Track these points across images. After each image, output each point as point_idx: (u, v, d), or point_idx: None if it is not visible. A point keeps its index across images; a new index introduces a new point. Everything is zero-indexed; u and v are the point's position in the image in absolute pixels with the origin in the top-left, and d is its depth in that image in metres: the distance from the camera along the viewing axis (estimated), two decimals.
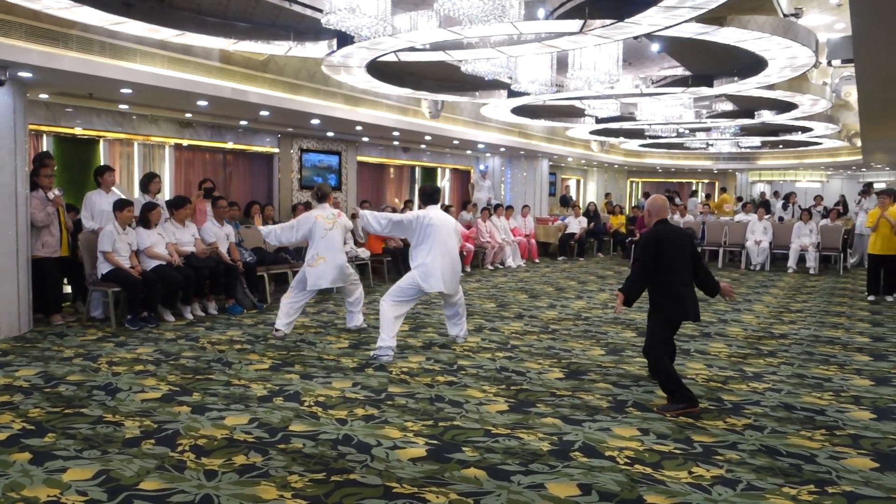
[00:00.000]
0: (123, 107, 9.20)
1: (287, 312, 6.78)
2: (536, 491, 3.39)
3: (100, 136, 9.72)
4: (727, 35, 6.32)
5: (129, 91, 7.91)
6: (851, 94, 8.94)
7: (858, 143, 16.30)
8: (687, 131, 15.84)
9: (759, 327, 7.75)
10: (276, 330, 6.72)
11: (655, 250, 4.81)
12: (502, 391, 5.10)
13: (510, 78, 9.12)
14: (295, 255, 9.56)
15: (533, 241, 15.11)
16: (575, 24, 5.85)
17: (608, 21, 5.73)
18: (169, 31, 6.69)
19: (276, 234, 7.01)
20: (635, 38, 6.81)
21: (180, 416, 4.42)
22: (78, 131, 9.41)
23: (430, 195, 6.51)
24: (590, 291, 10.47)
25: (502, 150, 16.71)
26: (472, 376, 5.50)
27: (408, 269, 11.04)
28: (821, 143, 18.07)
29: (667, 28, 5.85)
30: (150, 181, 8.09)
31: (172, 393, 4.92)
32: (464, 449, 3.92)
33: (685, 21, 5.71)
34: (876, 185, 18.75)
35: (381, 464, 3.69)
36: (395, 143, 14.98)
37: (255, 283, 8.53)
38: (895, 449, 4.02)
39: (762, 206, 15.66)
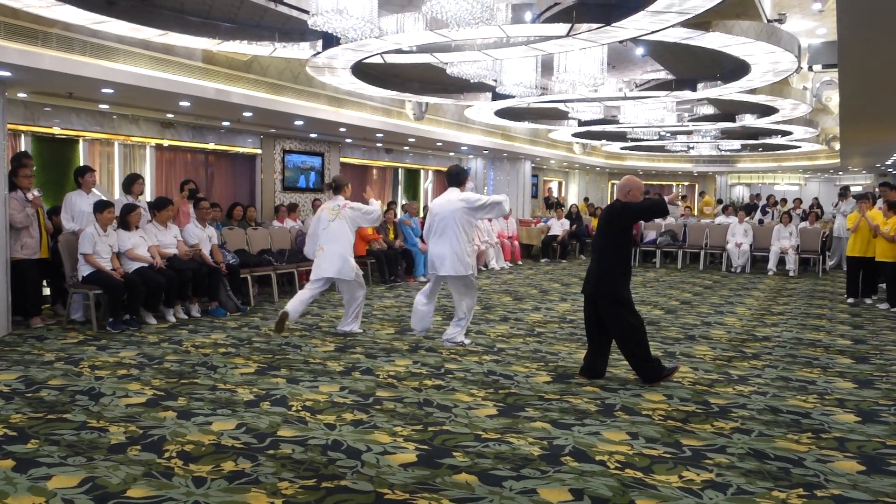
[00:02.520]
0: (104, 106, 9.09)
1: (298, 298, 6.85)
2: (528, 496, 3.38)
3: (79, 136, 9.60)
4: (712, 40, 6.36)
5: (111, 91, 7.82)
6: (832, 98, 9.06)
7: (836, 146, 16.55)
8: (668, 134, 15.97)
9: (742, 330, 7.81)
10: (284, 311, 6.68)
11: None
12: (491, 395, 5.09)
13: (495, 80, 9.13)
14: (279, 257, 9.48)
15: (516, 243, 15.14)
16: (562, 27, 5.86)
17: (595, 25, 5.74)
18: (151, 30, 6.60)
19: (307, 247, 7.21)
20: (621, 42, 6.83)
21: (166, 421, 4.36)
22: (57, 131, 9.27)
23: (451, 176, 6.67)
24: (574, 294, 10.49)
25: (485, 151, 16.73)
26: (460, 380, 5.48)
27: (392, 273, 11.08)
28: (799, 147, 18.30)
29: (653, 32, 5.88)
30: (133, 182, 7.99)
31: (157, 397, 4.85)
32: (454, 454, 3.91)
33: (671, 26, 5.74)
34: (853, 189, 19.01)
35: (372, 469, 3.66)
36: (379, 144, 14.95)
37: (238, 286, 8.45)
38: (881, 452, 4.06)
39: (751, 209, 15.70)
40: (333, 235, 6.87)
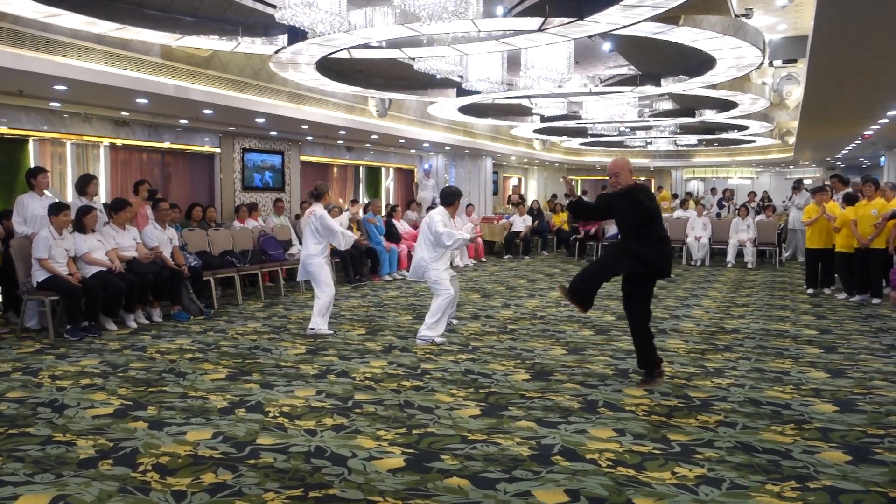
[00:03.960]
0: (55, 104, 8.72)
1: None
2: (524, 499, 3.30)
3: (28, 136, 9.19)
4: (682, 35, 6.39)
5: (63, 88, 7.49)
6: (792, 93, 9.24)
7: (790, 140, 16.92)
8: (628, 129, 16.11)
9: (710, 322, 7.89)
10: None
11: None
12: (471, 395, 5.00)
13: (460, 76, 9.05)
14: (241, 258, 9.24)
15: (479, 240, 15.08)
16: (534, 21, 5.80)
17: (567, 19, 5.70)
18: (108, 24, 6.33)
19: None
20: (590, 36, 6.81)
21: (137, 432, 4.15)
22: (4, 130, 8.86)
23: (442, 197, 7.07)
24: (541, 289, 10.49)
25: (447, 148, 16.66)
26: (439, 380, 5.38)
27: (357, 272, 10.91)
28: (754, 142, 18.66)
29: (625, 27, 5.86)
30: (87, 183, 7.67)
31: (125, 407, 4.63)
32: (442, 457, 3.80)
33: (643, 20, 5.73)
34: (804, 182, 19.47)
35: (360, 476, 3.53)
36: (340, 142, 14.75)
37: (200, 288, 8.20)
38: (864, 441, 4.09)
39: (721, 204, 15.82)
40: (304, 241, 7.23)
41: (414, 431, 4.20)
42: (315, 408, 4.65)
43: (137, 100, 8.37)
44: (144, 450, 3.87)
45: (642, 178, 28.38)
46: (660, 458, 3.81)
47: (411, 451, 3.89)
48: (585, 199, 5.78)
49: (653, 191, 25.61)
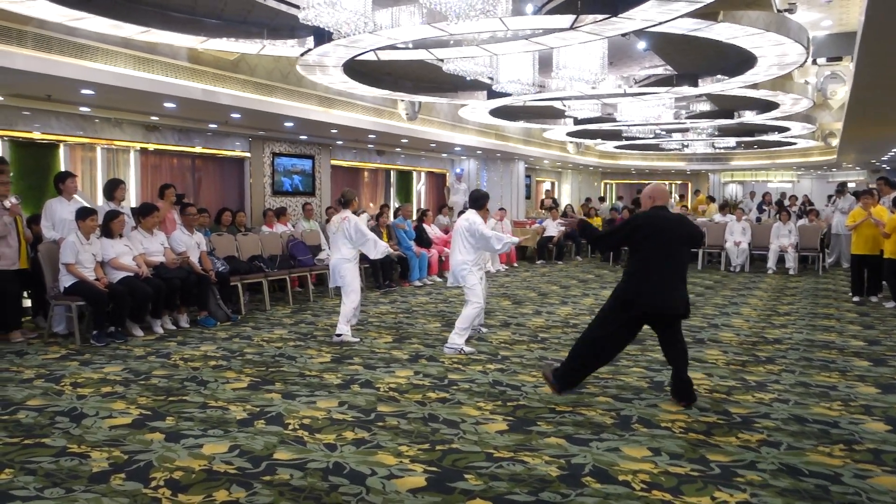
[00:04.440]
0: (85, 109, 8.73)
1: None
2: None
3: (60, 141, 9.23)
4: (721, 31, 6.11)
5: (91, 92, 7.47)
6: (837, 92, 8.86)
7: (833, 142, 16.36)
8: (664, 132, 15.74)
9: (751, 332, 7.57)
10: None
11: (629, 234, 4.92)
12: (499, 408, 4.80)
13: (490, 78, 8.85)
14: (270, 263, 9.16)
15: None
16: (566, 19, 5.58)
17: (601, 16, 5.47)
18: (133, 27, 6.27)
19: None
20: (624, 35, 6.57)
21: (153, 444, 4.04)
22: (36, 135, 8.91)
23: (472, 200, 6.93)
24: (574, 296, 10.23)
25: (479, 152, 16.46)
26: (466, 392, 5.19)
27: (387, 277, 10.78)
28: (795, 144, 18.11)
29: (661, 23, 5.61)
30: (115, 188, 7.65)
31: (143, 418, 4.53)
32: (466, 476, 3.61)
33: (680, 16, 5.48)
34: (848, 185, 18.85)
35: (379, 496, 3.36)
36: (370, 146, 14.65)
37: (228, 294, 8.12)
38: None
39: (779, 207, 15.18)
40: (334, 246, 7.14)
41: (437, 447, 4.02)
42: (336, 420, 4.50)
43: (165, 104, 8.35)
44: (159, 463, 3.74)
45: (679, 182, 27.86)
46: (698, 482, 3.56)
47: (434, 469, 3.71)
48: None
49: (690, 194, 25.09)
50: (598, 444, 4.09)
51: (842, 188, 14.88)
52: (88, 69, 6.72)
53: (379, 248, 7.06)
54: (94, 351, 6.41)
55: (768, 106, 11.47)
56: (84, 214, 6.91)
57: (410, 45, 6.95)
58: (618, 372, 5.79)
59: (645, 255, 4.89)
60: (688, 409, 4.78)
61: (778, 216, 14.26)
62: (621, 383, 5.45)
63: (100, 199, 8.60)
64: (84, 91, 7.39)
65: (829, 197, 14.39)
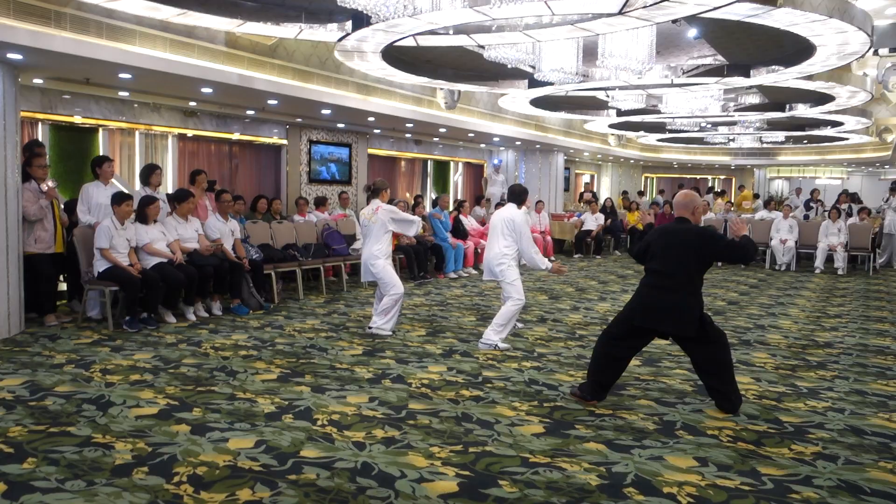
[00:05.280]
0: (123, 94, 8.70)
1: (374, 310, 6.94)
2: None
3: (99, 125, 9.23)
4: (779, 17, 5.76)
5: (129, 76, 7.41)
6: None
7: (889, 138, 15.71)
8: (709, 125, 15.27)
9: (800, 334, 7.23)
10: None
11: (644, 242, 4.85)
12: (535, 409, 4.60)
13: (532, 67, 8.59)
14: (304, 252, 9.06)
15: (549, 237, 14.58)
16: (615, 3, 5.32)
17: (652, 0, 5.19)
18: (170, 9, 6.17)
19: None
20: (675, 21, 6.27)
21: (178, 436, 3.93)
22: (77, 119, 8.92)
23: (512, 194, 6.69)
24: (613, 292, 9.95)
25: (517, 143, 16.18)
26: (500, 390, 5.00)
27: (422, 269, 10.62)
28: (847, 139, 17.45)
29: (717, 8, 5.31)
30: (150, 173, 7.61)
31: (170, 408, 4.43)
32: (500, 482, 3.42)
33: (736, 0, 5.17)
34: None
35: (408, 501, 3.19)
36: (408, 135, 14.48)
37: (261, 282, 8.03)
38: None
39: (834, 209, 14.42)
40: (367, 239, 6.95)
41: (470, 450, 3.84)
42: (366, 417, 4.34)
43: (202, 89, 8.26)
44: (182, 457, 3.63)
45: (722, 177, 27.18)
46: (749, 497, 3.32)
47: (466, 472, 3.53)
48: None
49: (734, 189, 24.42)
50: (641, 452, 3.87)
51: (895, 186, 14.28)
52: (126, 52, 6.65)
53: (416, 226, 7.11)
54: (126, 337, 6.37)
55: (822, 99, 10.98)
56: (119, 199, 6.87)
57: (451, 31, 6.73)
58: (659, 374, 5.54)
59: (648, 267, 4.75)
60: (735, 415, 4.53)
61: (827, 214, 13.74)
62: (664, 386, 5.21)
63: (137, 185, 8.58)
64: (122, 75, 7.33)
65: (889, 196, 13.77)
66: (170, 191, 8.99)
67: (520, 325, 7.22)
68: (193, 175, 8.09)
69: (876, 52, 8.47)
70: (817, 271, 12.91)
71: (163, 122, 9.87)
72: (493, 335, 6.27)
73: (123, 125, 9.47)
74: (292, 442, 3.89)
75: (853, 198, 17.86)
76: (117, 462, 3.56)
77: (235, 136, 11.28)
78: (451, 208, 12.92)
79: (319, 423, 4.22)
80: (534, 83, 10.13)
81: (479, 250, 11.67)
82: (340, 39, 6.99)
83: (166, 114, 9.88)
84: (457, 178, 17.77)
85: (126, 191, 7.43)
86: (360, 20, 6.36)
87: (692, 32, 7.37)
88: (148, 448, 3.75)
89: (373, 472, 3.51)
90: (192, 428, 4.07)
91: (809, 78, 8.85)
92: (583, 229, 15.43)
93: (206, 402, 4.56)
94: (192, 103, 9.65)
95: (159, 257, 7.02)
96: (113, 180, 7.44)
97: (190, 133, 10.51)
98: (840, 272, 12.75)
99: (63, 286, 7.69)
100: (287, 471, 3.50)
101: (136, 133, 9.76)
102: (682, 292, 4.54)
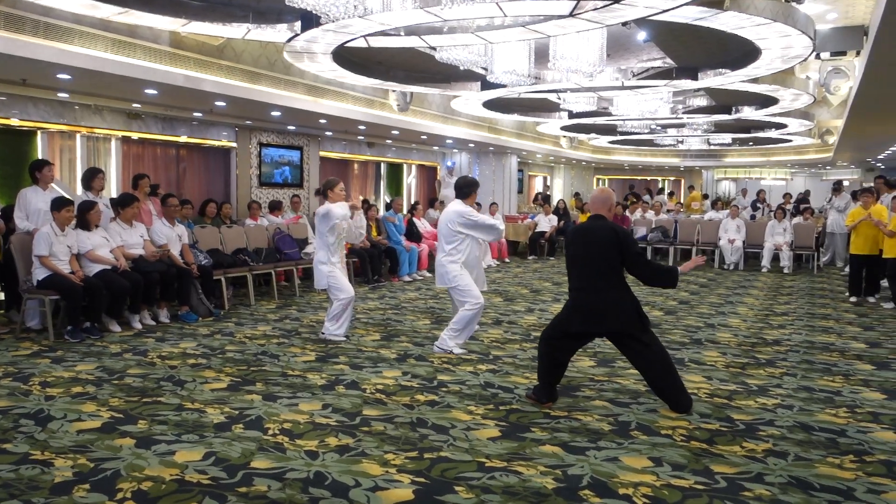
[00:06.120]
0: (63, 95, 8.41)
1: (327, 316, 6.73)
2: None
3: (38, 128, 8.92)
4: (726, 21, 5.87)
5: (68, 77, 7.16)
6: (840, 87, 8.67)
7: (830, 140, 16.20)
8: (659, 127, 15.53)
9: (749, 332, 7.37)
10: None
11: (566, 243, 4.82)
12: (491, 412, 4.56)
13: (485, 69, 8.60)
14: (255, 257, 8.88)
15: (503, 239, 14.62)
16: (566, 5, 5.33)
17: (602, 2, 5.22)
18: (110, 7, 5.97)
19: None
20: (624, 24, 6.33)
21: (122, 451, 3.77)
22: (14, 122, 8.59)
23: (458, 188, 6.35)
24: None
25: (471, 145, 16.21)
26: (456, 394, 4.95)
27: (376, 272, 10.53)
28: (791, 141, 17.94)
29: (665, 11, 5.37)
30: (93, 177, 7.36)
31: (114, 421, 4.26)
32: (456, 488, 3.37)
33: (685, 3, 5.24)
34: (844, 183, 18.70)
35: None
36: (360, 137, 14.37)
37: (210, 288, 7.84)
38: None
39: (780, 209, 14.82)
40: (315, 243, 6.82)
41: (426, 455, 3.78)
42: (319, 425, 4.25)
43: (146, 90, 8.03)
44: (127, 472, 3.48)
45: (671, 178, 27.70)
46: (703, 496, 3.34)
47: (422, 479, 3.47)
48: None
49: (683, 190, 24.89)
50: (596, 453, 3.86)
51: (838, 186, 14.73)
52: (64, 52, 6.41)
53: (356, 234, 6.73)
54: (68, 347, 6.13)
55: (767, 101, 11.26)
56: (59, 205, 6.62)
57: (402, 32, 6.68)
58: (613, 374, 5.57)
59: (575, 269, 4.72)
60: (688, 415, 4.56)
61: (773, 214, 14.10)
62: (618, 386, 5.23)
63: (79, 189, 8.29)
64: (60, 75, 7.07)
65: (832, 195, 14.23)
66: (113, 195, 8.72)
67: (475, 327, 7.17)
68: (136, 179, 7.86)
69: (818, 56, 8.70)
70: (764, 270, 13.21)
71: (105, 124, 9.58)
72: (450, 340, 6.20)
73: (64, 128, 9.16)
74: (242, 453, 3.77)
75: (804, 199, 18.42)
76: (57, 480, 3.39)
77: (182, 138, 11.02)
78: (404, 211, 12.85)
79: (271, 432, 4.11)
80: (486, 85, 10.15)
81: (434, 253, 11.62)
82: (290, 40, 6.87)
83: (109, 116, 9.59)
84: (410, 180, 17.71)
85: (66, 196, 7.17)
86: (310, 20, 6.26)
87: (641, 35, 7.47)
88: (90, 464, 3.59)
89: (326, 481, 3.42)
90: (137, 441, 3.92)
91: (755, 81, 9.05)
92: (536, 231, 15.53)
93: (153, 414, 4.40)
94: (136, 105, 9.39)
95: (102, 264, 6.79)
96: (53, 185, 7.18)
97: (134, 136, 10.23)
98: (786, 271, 13.07)
99: (0, 295, 7.38)
100: (237, 483, 3.39)
101: (78, 136, 9.45)
102: (615, 289, 4.55)
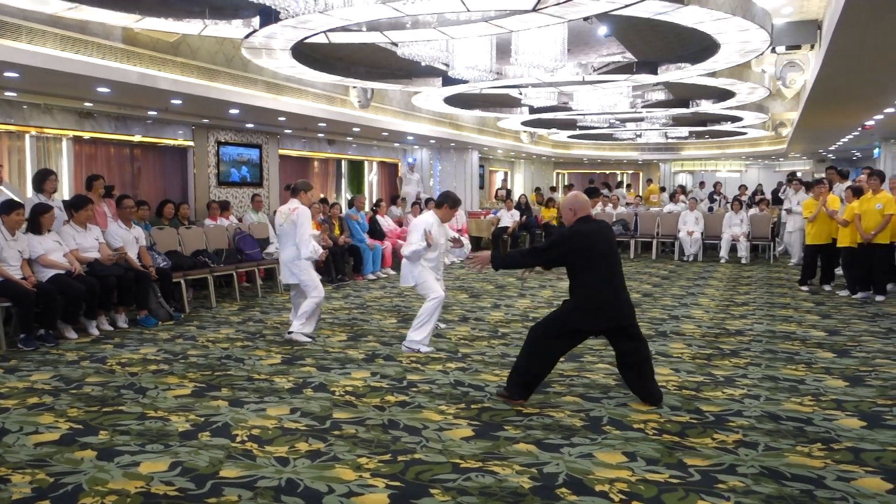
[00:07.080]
0: (11, 94, 8.10)
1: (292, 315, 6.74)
2: None
3: None
4: (687, 15, 5.91)
5: (15, 75, 6.90)
6: (796, 80, 8.85)
7: (783, 132, 16.56)
8: (618, 122, 15.68)
9: (712, 323, 7.47)
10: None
11: (564, 254, 4.62)
12: (462, 411, 4.52)
13: (446, 65, 8.55)
14: (215, 258, 8.69)
15: (466, 235, 14.60)
16: (528, 1, 5.31)
17: None
18: (59, 3, 5.75)
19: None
20: (586, 18, 6.34)
21: (83, 464, 3.63)
22: None
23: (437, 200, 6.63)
24: (531, 288, 10.03)
25: (432, 141, 16.15)
26: (426, 394, 4.90)
27: (340, 271, 10.42)
28: (746, 133, 18.29)
29: (627, 6, 5.38)
30: (44, 179, 7.10)
31: (74, 432, 4.10)
32: (432, 491, 3.32)
33: None
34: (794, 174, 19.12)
35: None
36: (320, 135, 14.20)
37: (170, 291, 7.65)
38: None
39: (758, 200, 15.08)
40: (282, 240, 6.66)
41: (399, 458, 3.72)
42: (288, 430, 4.15)
43: (98, 88, 7.78)
44: (89, 487, 3.35)
45: (630, 172, 28.02)
46: (679, 490, 3.35)
47: (396, 483, 3.41)
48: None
49: (642, 183, 25.21)
50: (570, 450, 3.85)
51: (791, 177, 15.04)
52: (11, 49, 6.16)
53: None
54: (22, 356, 5.91)
55: (723, 95, 11.44)
56: (9, 208, 6.37)
57: (364, 28, 6.58)
58: (583, 369, 5.57)
59: (594, 270, 4.58)
60: (658, 408, 4.59)
61: (730, 206, 14.35)
62: (587, 381, 5.23)
63: (29, 191, 8.01)
64: (7, 73, 6.80)
65: (780, 184, 14.57)
66: (66, 197, 8.44)
67: (442, 325, 7.14)
68: (90, 181, 7.61)
69: (774, 50, 8.85)
70: (722, 261, 13.45)
71: (56, 124, 9.27)
72: (416, 335, 6.15)
73: (12, 128, 8.83)
74: (210, 462, 3.66)
75: (760, 190, 18.82)
76: (14, 497, 3.25)
77: (137, 138, 10.73)
78: (366, 209, 12.73)
79: (239, 439, 4.00)
80: (448, 81, 10.10)
81: (397, 251, 11.54)
82: (247, 36, 6.72)
83: (59, 115, 9.28)
84: (371, 177, 17.58)
85: (16, 198, 6.91)
86: (268, 16, 6.12)
87: (602, 30, 7.50)
88: (49, 479, 3.44)
89: (298, 488, 3.34)
90: (99, 453, 3.78)
91: (713, 75, 9.17)
92: (499, 226, 15.54)
93: (114, 424, 4.25)
94: (88, 104, 9.09)
95: (56, 269, 6.56)
96: (1, 187, 6.91)
97: (86, 136, 9.92)
98: (744, 261, 13.32)
99: None
100: (206, 494, 3.28)
101: (27, 136, 9.13)
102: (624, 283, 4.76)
